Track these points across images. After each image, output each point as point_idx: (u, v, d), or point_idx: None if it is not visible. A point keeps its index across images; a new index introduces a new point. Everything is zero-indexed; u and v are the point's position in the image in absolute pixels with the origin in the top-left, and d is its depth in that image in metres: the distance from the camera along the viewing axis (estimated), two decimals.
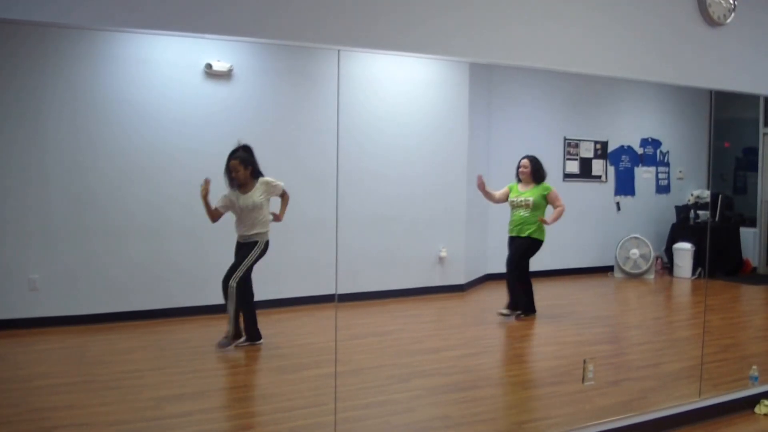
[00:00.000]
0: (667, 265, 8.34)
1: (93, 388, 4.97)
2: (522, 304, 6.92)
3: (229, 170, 5.54)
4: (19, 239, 5.04)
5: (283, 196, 5.68)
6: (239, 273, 5.59)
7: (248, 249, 5.64)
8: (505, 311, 6.92)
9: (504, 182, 7.06)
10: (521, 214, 6.75)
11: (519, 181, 6.81)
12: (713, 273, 7.96)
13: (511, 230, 6.82)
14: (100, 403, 4.75)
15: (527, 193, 6.74)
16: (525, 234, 6.79)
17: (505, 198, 6.83)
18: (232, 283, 5.57)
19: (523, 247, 6.80)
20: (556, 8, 4.67)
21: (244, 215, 5.62)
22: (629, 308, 8.33)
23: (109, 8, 3.35)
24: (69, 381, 5.06)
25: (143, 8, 3.42)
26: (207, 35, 3.75)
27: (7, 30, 4.39)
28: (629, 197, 8.00)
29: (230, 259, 5.62)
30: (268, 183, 5.65)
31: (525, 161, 6.79)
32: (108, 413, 4.64)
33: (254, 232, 5.64)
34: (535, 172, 6.75)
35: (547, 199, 6.74)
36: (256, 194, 5.62)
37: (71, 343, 5.37)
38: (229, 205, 5.58)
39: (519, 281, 6.90)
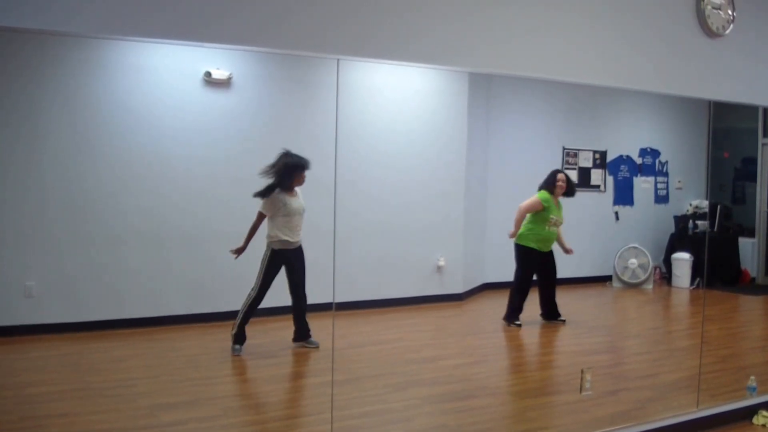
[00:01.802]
0: (665, 275, 8.35)
1: (87, 396, 4.96)
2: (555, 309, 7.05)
3: (298, 171, 5.58)
4: (15, 246, 5.04)
5: None
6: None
7: (302, 256, 5.71)
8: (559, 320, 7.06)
9: (503, 191, 7.07)
10: (553, 230, 6.77)
11: (551, 194, 6.78)
12: (711, 283, 7.95)
13: (538, 245, 6.79)
14: (94, 411, 4.73)
15: (561, 214, 6.79)
16: (550, 249, 6.83)
17: (536, 208, 6.80)
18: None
19: (553, 260, 6.86)
20: (556, 19, 4.67)
21: (296, 220, 5.68)
22: (627, 318, 8.33)
23: (109, 17, 3.34)
24: (63, 389, 5.04)
25: (143, 17, 3.41)
26: (207, 44, 3.75)
27: (5, 36, 4.39)
28: (628, 207, 8.00)
29: (229, 268, 5.61)
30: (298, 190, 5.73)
31: (562, 176, 6.80)
32: (102, 421, 4.62)
33: (300, 237, 5.67)
34: (569, 188, 6.80)
35: None
36: (301, 197, 5.67)
37: (66, 350, 5.36)
38: (278, 209, 5.64)
39: (551, 290, 6.98)
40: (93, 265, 5.32)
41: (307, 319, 5.77)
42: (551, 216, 6.76)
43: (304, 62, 5.43)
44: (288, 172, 5.57)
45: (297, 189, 5.69)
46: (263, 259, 5.65)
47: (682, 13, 5.24)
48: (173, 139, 5.60)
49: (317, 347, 5.74)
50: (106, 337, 5.37)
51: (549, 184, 6.81)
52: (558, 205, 6.82)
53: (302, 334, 5.77)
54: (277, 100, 6.06)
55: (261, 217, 5.60)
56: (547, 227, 6.77)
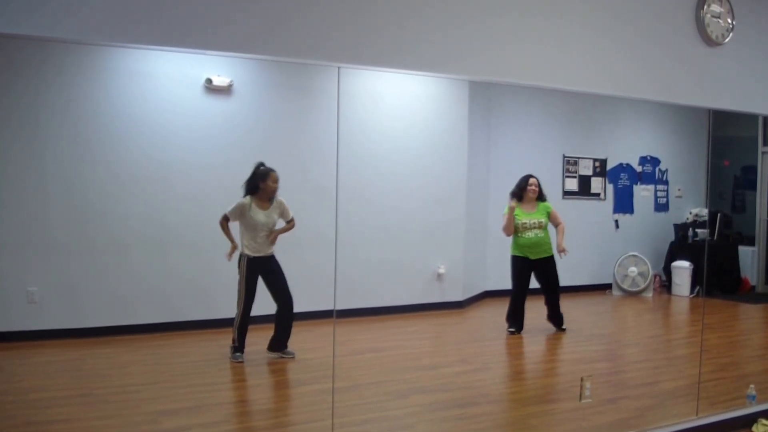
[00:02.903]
0: (665, 283, 8.35)
1: (90, 402, 4.96)
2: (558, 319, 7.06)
3: (266, 180, 5.61)
4: (18, 252, 5.05)
5: (290, 223, 5.75)
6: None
7: (277, 265, 5.70)
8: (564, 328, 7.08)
9: (504, 198, 7.06)
10: (537, 235, 6.75)
11: (519, 200, 6.77)
12: (711, 291, 7.96)
13: (527, 252, 6.78)
14: (97, 417, 4.74)
15: (537, 215, 6.76)
16: (546, 255, 6.82)
17: (512, 221, 6.80)
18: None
19: (553, 267, 6.86)
20: (555, 28, 4.69)
21: (261, 235, 5.65)
22: (627, 326, 8.33)
23: (111, 24, 3.36)
24: (66, 394, 5.05)
25: (145, 24, 3.43)
26: (208, 52, 3.77)
27: (5, 42, 4.40)
28: (628, 215, 8.01)
29: (231, 273, 5.61)
30: (282, 204, 5.69)
31: (534, 180, 6.77)
32: (105, 427, 4.63)
33: (270, 250, 5.68)
34: (540, 192, 6.78)
35: (549, 217, 6.77)
36: (275, 213, 5.66)
37: (69, 356, 5.37)
38: (243, 217, 5.62)
39: (552, 299, 7.00)
40: (95, 270, 5.33)
41: (297, 326, 5.76)
42: (518, 222, 6.75)
43: (305, 69, 5.45)
44: (253, 179, 5.61)
45: (278, 203, 5.71)
46: (240, 269, 5.64)
47: (682, 21, 5.27)
48: (174, 145, 5.61)
49: (293, 357, 5.75)
50: (108, 343, 5.38)
51: (520, 189, 6.80)
52: (533, 209, 6.80)
53: (280, 344, 5.76)
54: (277, 107, 6.07)
55: (225, 218, 5.62)
56: (521, 234, 6.78)
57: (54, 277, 5.19)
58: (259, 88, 5.96)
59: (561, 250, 6.74)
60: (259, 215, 5.64)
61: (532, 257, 6.80)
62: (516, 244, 6.80)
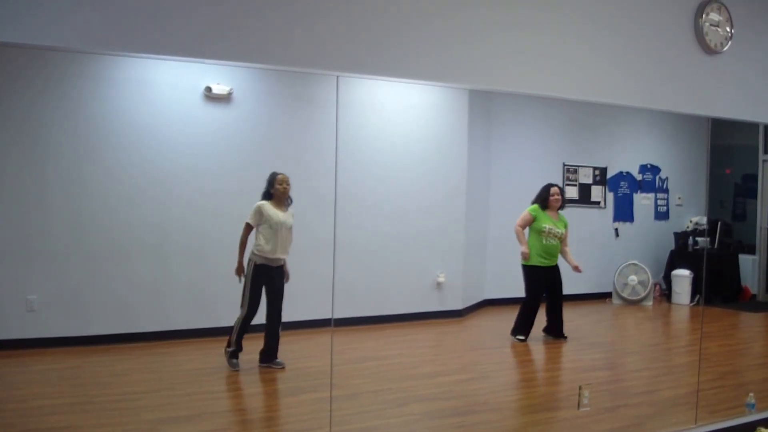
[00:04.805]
0: (665, 291, 8.35)
1: (90, 410, 4.96)
2: (560, 327, 7.07)
3: (278, 182, 5.61)
4: (17, 260, 5.06)
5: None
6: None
7: (282, 275, 5.69)
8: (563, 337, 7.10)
9: (504, 207, 7.09)
10: (552, 243, 6.84)
11: (544, 207, 6.85)
12: (711, 300, 7.96)
13: (541, 260, 6.85)
14: (97, 425, 4.74)
15: (559, 225, 6.88)
16: (555, 263, 6.90)
17: (527, 220, 6.86)
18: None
19: (559, 275, 6.92)
20: (555, 38, 4.70)
21: (282, 234, 5.66)
22: (627, 334, 8.33)
23: (111, 33, 3.38)
24: (65, 402, 5.05)
25: (145, 33, 3.45)
26: (208, 60, 3.78)
27: (3, 50, 4.42)
28: (628, 223, 8.02)
29: (231, 282, 5.60)
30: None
31: (556, 189, 6.90)
32: None
33: (285, 255, 5.69)
34: (563, 201, 6.89)
35: (565, 231, 6.91)
36: (291, 217, 5.67)
37: (68, 364, 5.37)
38: (261, 218, 5.62)
39: (557, 306, 7.01)
40: (95, 278, 5.33)
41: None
42: (544, 225, 6.80)
43: (304, 78, 5.47)
44: (269, 183, 5.62)
45: (290, 209, 5.70)
46: (246, 275, 5.62)
47: (681, 30, 5.27)
48: (174, 152, 5.62)
49: (283, 367, 5.75)
50: (108, 351, 5.38)
51: (542, 199, 6.88)
52: (556, 217, 6.87)
53: (270, 355, 5.76)
54: (276, 115, 6.08)
55: (248, 228, 5.62)
56: (544, 240, 6.81)
57: (53, 285, 5.20)
58: (258, 97, 5.97)
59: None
60: (278, 215, 5.62)
61: (547, 264, 6.85)
62: (534, 251, 6.83)
